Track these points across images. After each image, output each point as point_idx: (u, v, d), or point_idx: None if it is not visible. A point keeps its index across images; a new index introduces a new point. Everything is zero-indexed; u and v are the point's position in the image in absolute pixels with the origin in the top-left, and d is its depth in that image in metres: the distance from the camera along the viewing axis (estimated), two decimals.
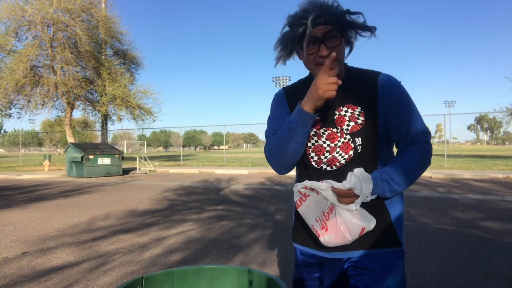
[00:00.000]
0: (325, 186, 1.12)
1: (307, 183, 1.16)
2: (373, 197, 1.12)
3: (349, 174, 1.12)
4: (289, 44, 1.20)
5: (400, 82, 1.26)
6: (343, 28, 1.18)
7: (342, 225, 1.13)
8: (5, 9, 18.03)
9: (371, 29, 1.19)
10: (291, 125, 1.18)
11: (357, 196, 1.10)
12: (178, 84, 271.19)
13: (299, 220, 1.32)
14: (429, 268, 3.41)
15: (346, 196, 1.10)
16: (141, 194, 9.13)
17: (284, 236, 4.60)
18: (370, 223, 1.13)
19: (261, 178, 12.83)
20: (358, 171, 1.13)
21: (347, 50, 1.25)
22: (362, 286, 1.21)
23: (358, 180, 1.09)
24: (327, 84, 1.08)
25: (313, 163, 1.25)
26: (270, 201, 7.50)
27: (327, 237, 1.16)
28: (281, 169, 1.32)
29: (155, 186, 10.95)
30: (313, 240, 1.27)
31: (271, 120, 1.37)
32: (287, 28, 1.21)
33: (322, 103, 1.13)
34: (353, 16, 1.18)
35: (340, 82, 1.10)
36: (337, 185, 1.11)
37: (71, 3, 18.41)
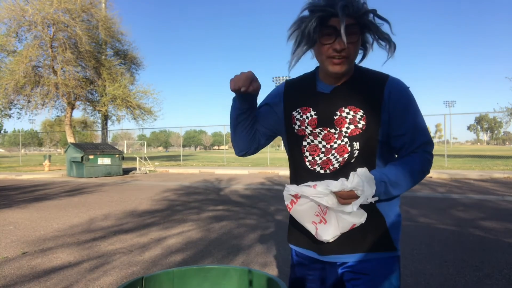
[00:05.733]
0: (322, 191, 1.07)
1: (297, 189, 1.11)
2: (375, 199, 1.07)
3: (352, 174, 1.08)
4: (312, 33, 1.10)
5: (408, 87, 1.21)
6: (364, 27, 1.12)
7: (336, 219, 1.12)
8: (5, 9, 18.04)
9: (390, 42, 1.14)
10: (233, 98, 1.27)
11: (357, 197, 1.06)
12: (178, 84, 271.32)
13: (294, 220, 1.29)
14: (429, 268, 3.41)
15: (348, 198, 1.06)
16: (141, 194, 9.13)
17: (284, 236, 4.60)
18: (361, 218, 1.10)
19: (261, 178, 12.82)
20: (362, 171, 1.08)
21: (360, 55, 1.21)
22: None
23: (361, 180, 1.05)
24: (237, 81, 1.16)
25: (307, 164, 1.21)
26: (270, 201, 7.50)
27: (324, 230, 1.13)
28: (236, 148, 1.38)
29: (155, 186, 10.95)
30: (308, 241, 1.24)
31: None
32: (306, 12, 1.13)
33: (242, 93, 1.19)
34: (378, 21, 1.13)
35: (244, 90, 1.16)
36: (336, 187, 1.06)
37: (71, 3, 18.40)
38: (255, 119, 1.32)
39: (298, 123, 1.24)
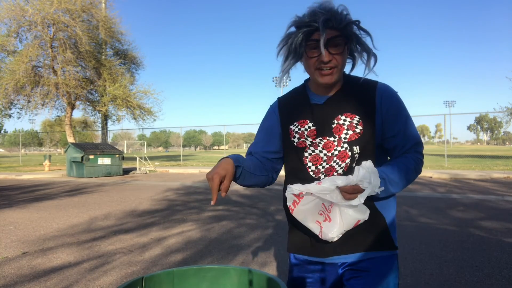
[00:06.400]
0: (327, 187, 1.07)
1: (301, 187, 1.11)
2: (381, 189, 1.09)
3: (356, 168, 1.09)
4: (298, 48, 1.18)
5: (396, 92, 1.28)
6: (348, 38, 1.17)
7: (340, 216, 1.12)
8: (5, 9, 18.05)
9: (370, 53, 1.19)
10: None
11: (361, 191, 1.06)
12: (178, 84, 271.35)
13: (293, 228, 1.31)
14: (429, 268, 3.42)
15: (353, 192, 1.06)
16: (141, 194, 9.13)
17: (284, 236, 4.60)
18: (365, 214, 1.12)
19: None
20: (367, 164, 1.10)
21: (349, 65, 1.26)
22: (360, 287, 1.20)
23: (367, 172, 1.07)
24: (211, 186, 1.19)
25: (311, 173, 1.24)
26: (270, 201, 7.50)
27: (329, 228, 1.13)
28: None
29: (155, 186, 10.95)
30: (309, 248, 1.26)
31: (256, 133, 1.42)
32: (292, 29, 1.20)
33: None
34: (362, 33, 1.18)
35: (213, 203, 1.20)
36: (342, 182, 1.07)
37: (71, 3, 18.41)
38: (254, 162, 1.31)
39: (297, 136, 1.27)
